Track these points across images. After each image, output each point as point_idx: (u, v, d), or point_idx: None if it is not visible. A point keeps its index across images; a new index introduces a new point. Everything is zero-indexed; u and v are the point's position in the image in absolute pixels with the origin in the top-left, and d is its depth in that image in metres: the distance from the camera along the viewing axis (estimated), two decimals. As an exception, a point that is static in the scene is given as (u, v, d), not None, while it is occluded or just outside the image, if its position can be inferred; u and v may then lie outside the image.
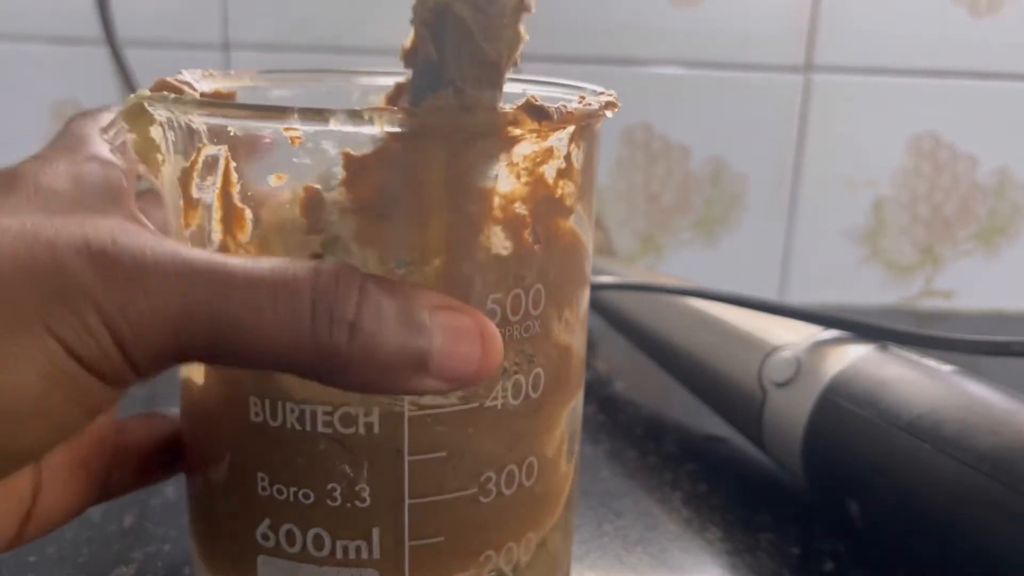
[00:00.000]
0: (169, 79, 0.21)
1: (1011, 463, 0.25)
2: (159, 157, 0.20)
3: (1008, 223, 0.59)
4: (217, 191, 0.19)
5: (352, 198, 0.18)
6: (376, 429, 0.19)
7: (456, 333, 0.17)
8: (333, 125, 0.17)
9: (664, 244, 0.58)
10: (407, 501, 0.19)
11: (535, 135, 0.18)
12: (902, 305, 0.60)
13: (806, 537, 0.31)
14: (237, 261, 0.16)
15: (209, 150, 0.18)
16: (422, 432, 0.19)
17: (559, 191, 0.20)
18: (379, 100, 0.24)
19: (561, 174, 0.20)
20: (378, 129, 0.17)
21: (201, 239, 0.19)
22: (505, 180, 0.18)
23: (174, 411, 0.24)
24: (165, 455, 0.24)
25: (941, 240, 0.59)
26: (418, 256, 0.18)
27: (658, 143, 0.57)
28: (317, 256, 0.18)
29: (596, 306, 0.46)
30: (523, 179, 0.19)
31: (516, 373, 0.20)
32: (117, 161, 0.20)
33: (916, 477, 0.27)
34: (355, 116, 0.17)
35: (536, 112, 0.18)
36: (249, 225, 0.18)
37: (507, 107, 0.18)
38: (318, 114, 0.17)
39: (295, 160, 0.18)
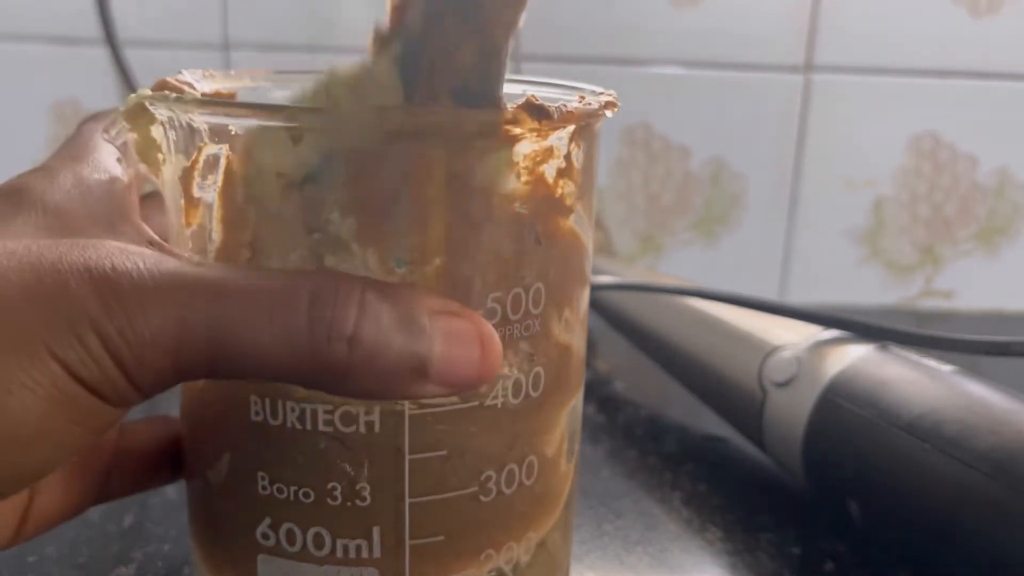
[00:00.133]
0: (170, 79, 0.21)
1: (1011, 463, 0.25)
2: (160, 156, 0.20)
3: (1008, 223, 0.59)
4: (218, 190, 0.19)
5: (352, 197, 0.18)
6: (377, 428, 0.19)
7: (455, 338, 0.17)
8: (334, 124, 0.17)
9: (664, 244, 0.58)
10: (407, 500, 0.19)
11: (535, 134, 0.18)
12: (902, 305, 0.60)
13: (806, 537, 0.31)
14: (233, 276, 0.16)
15: (210, 149, 0.18)
16: (422, 431, 0.19)
17: (559, 191, 0.20)
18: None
19: (561, 173, 0.20)
20: (379, 128, 0.17)
21: (202, 238, 0.19)
22: (505, 179, 0.18)
23: (176, 416, 0.24)
24: (167, 458, 0.24)
25: (941, 240, 0.59)
26: (418, 256, 0.18)
27: (658, 143, 0.57)
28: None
29: (596, 306, 0.46)
30: (523, 178, 0.19)
31: (516, 372, 0.20)
32: (120, 174, 0.20)
33: (916, 477, 0.27)
34: (356, 115, 0.17)
35: (536, 111, 0.18)
36: (250, 225, 0.18)
37: (508, 106, 0.18)
38: (320, 112, 0.17)
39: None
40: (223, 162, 0.18)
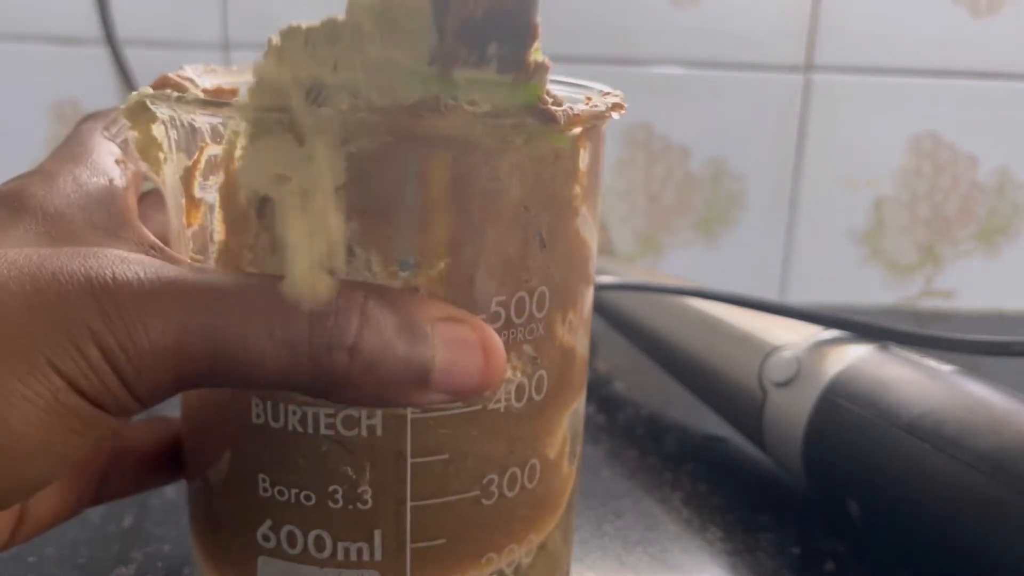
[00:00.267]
0: (171, 75, 0.21)
1: (1012, 463, 0.25)
2: (161, 155, 0.20)
3: (1008, 223, 0.59)
4: (220, 191, 0.18)
5: (355, 199, 0.18)
6: (378, 431, 0.19)
7: (458, 346, 0.17)
8: (338, 124, 0.17)
9: (664, 244, 0.58)
10: (409, 503, 0.19)
11: (540, 137, 0.18)
12: (902, 305, 0.60)
13: (806, 537, 0.31)
14: (233, 285, 0.16)
15: (212, 149, 0.18)
16: (424, 434, 0.19)
17: (564, 192, 0.20)
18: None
19: (566, 175, 0.19)
20: (382, 128, 0.17)
21: (203, 239, 0.19)
22: (509, 181, 0.18)
23: (175, 416, 0.24)
24: (164, 460, 0.23)
25: (941, 240, 0.59)
26: (422, 259, 0.18)
27: (658, 143, 0.57)
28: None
29: (596, 306, 0.46)
30: (528, 181, 0.19)
31: (520, 376, 0.20)
32: (118, 176, 0.20)
33: (916, 477, 0.27)
34: (360, 116, 0.17)
35: (542, 116, 0.18)
36: (252, 226, 0.18)
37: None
38: (323, 113, 0.17)
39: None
40: (225, 162, 0.18)
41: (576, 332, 0.21)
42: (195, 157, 0.19)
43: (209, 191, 0.19)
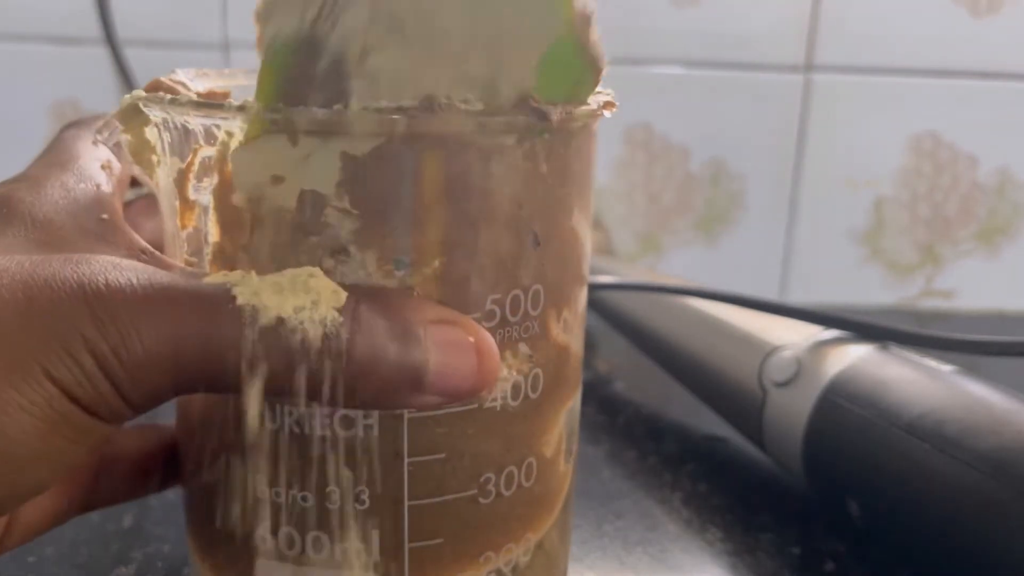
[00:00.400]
0: (163, 79, 0.21)
1: (1012, 463, 0.25)
2: (154, 158, 0.20)
3: (1008, 223, 0.59)
4: (214, 193, 0.18)
5: (350, 199, 0.18)
6: (375, 431, 0.19)
7: (451, 348, 0.17)
8: (333, 125, 0.17)
9: (664, 244, 0.58)
10: (406, 503, 0.19)
11: (534, 136, 0.18)
12: (902, 305, 0.60)
13: (806, 537, 0.31)
14: (226, 289, 0.16)
15: (206, 151, 0.18)
16: (421, 434, 0.19)
17: (558, 191, 0.20)
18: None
19: (560, 174, 0.20)
20: (379, 130, 0.17)
21: (198, 241, 0.19)
22: (504, 180, 0.18)
23: (167, 424, 0.24)
24: (157, 467, 0.23)
25: (941, 240, 0.59)
26: (416, 257, 0.18)
27: (658, 143, 0.57)
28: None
29: (596, 306, 0.46)
30: (522, 179, 0.19)
31: (515, 374, 0.20)
32: (105, 182, 0.20)
33: (916, 477, 0.27)
34: (354, 116, 0.17)
35: (535, 114, 0.18)
36: (246, 228, 0.18)
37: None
38: (319, 114, 0.17)
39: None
40: (218, 164, 0.18)
41: (571, 330, 0.21)
42: (189, 159, 0.19)
43: (203, 193, 0.19)
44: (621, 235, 0.58)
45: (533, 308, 0.20)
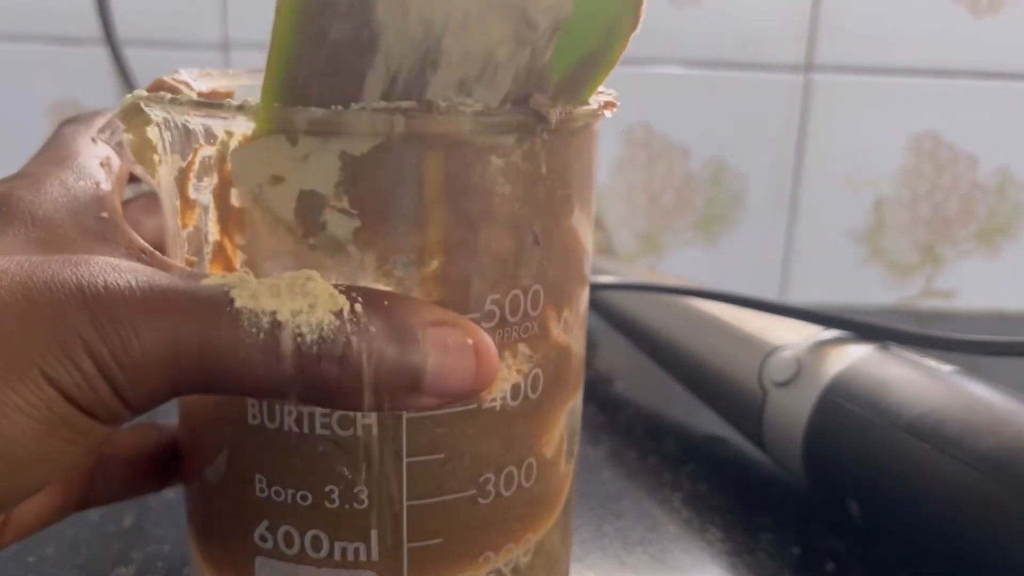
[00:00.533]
0: (166, 78, 0.21)
1: (1012, 463, 0.25)
2: (156, 158, 0.20)
3: (1008, 223, 0.59)
4: (214, 192, 0.18)
5: (350, 199, 0.18)
6: (374, 431, 0.19)
7: (450, 350, 0.17)
8: (333, 125, 0.17)
9: (664, 244, 0.58)
10: (406, 503, 0.19)
11: (534, 135, 0.18)
12: (902, 305, 0.60)
13: (806, 537, 0.31)
14: (224, 291, 0.16)
15: (206, 150, 0.18)
16: (421, 434, 0.19)
17: (558, 191, 0.20)
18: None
19: (560, 174, 0.19)
20: (378, 130, 0.17)
21: (198, 240, 0.19)
22: (504, 180, 0.18)
23: (167, 423, 0.24)
24: (154, 466, 0.23)
25: (941, 240, 0.59)
26: (416, 257, 0.18)
27: (658, 143, 0.56)
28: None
29: (596, 306, 0.46)
30: (522, 179, 0.19)
31: (515, 375, 0.20)
32: (104, 180, 0.20)
33: (917, 477, 0.27)
34: (353, 115, 0.17)
35: (535, 115, 0.18)
36: (245, 227, 0.18)
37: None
38: (318, 113, 0.17)
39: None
40: (219, 164, 0.18)
41: (571, 330, 0.21)
42: (189, 159, 0.19)
43: (203, 192, 0.19)
44: (621, 235, 0.58)
45: (533, 308, 0.20)
